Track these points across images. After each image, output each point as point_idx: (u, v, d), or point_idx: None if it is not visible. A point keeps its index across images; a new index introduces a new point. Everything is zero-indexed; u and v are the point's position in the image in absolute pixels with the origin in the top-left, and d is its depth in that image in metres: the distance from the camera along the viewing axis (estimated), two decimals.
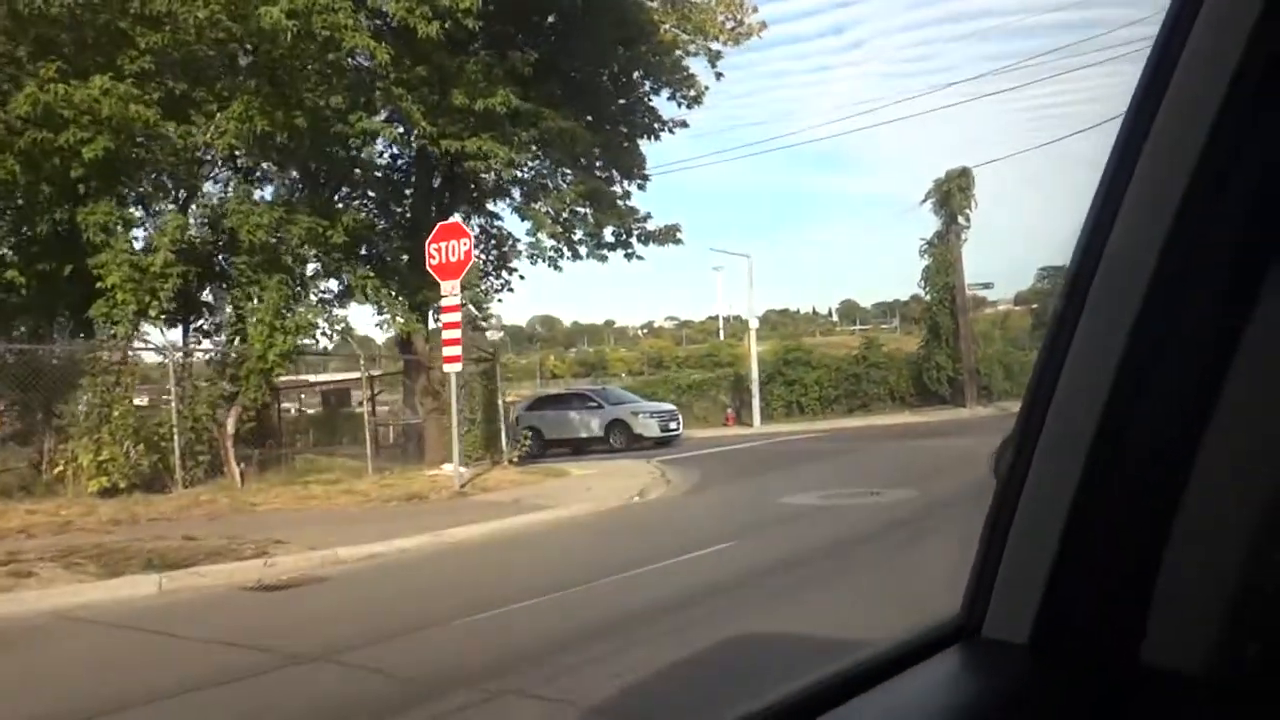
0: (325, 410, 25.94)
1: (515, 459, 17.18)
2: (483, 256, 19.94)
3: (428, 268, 14.28)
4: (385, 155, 18.70)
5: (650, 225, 18.39)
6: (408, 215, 18.91)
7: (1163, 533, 0.80)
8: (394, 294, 17.68)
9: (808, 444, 21.70)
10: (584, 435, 25.07)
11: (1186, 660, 0.79)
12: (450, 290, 13.95)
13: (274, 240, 14.61)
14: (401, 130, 15.87)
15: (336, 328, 16.26)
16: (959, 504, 10.14)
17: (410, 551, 9.97)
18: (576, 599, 7.32)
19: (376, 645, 6.10)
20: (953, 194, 29.64)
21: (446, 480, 14.19)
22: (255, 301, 14.76)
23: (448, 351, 13.94)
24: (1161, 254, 0.77)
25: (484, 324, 18.36)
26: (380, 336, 22.73)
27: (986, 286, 33.51)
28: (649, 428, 24.68)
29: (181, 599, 8.05)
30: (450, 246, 14.02)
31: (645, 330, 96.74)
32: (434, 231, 14.39)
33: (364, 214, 18.59)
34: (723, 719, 0.90)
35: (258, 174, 17.05)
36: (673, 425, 25.39)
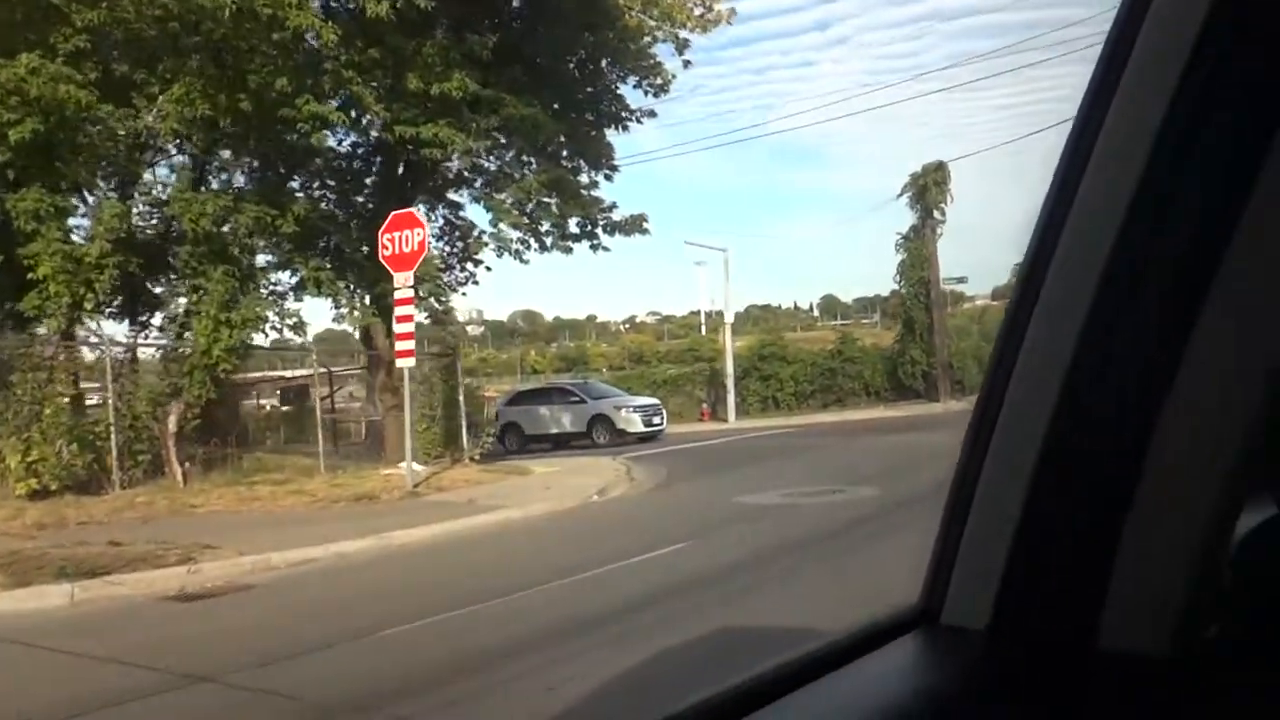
0: (296, 407, 25.25)
1: (477, 456, 16.66)
2: (446, 249, 19.40)
3: (380, 259, 13.76)
4: (344, 143, 18.09)
5: (616, 215, 17.90)
6: (369, 206, 18.30)
7: (1119, 517, 0.80)
8: (351, 287, 17.16)
9: (779, 440, 21.31)
10: (566, 430, 24.29)
11: (1144, 643, 0.79)
12: (403, 282, 13.43)
13: (219, 230, 13.99)
14: (354, 115, 15.27)
15: (288, 322, 15.65)
16: (922, 501, 9.80)
17: (350, 556, 9.47)
18: (513, 606, 6.89)
19: (283, 662, 5.62)
20: (928, 188, 29.32)
21: (401, 479, 13.66)
22: (197, 294, 14.14)
23: (400, 346, 13.44)
24: (1115, 244, 0.79)
25: (445, 317, 17.79)
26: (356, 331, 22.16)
27: (961, 281, 33.14)
28: (632, 423, 24.00)
29: (92, 610, 7.53)
30: (404, 236, 13.51)
31: (627, 325, 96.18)
32: (387, 221, 13.87)
33: (323, 204, 18.07)
34: (673, 709, 0.86)
35: (215, 163, 16.46)
36: (657, 420, 24.71)
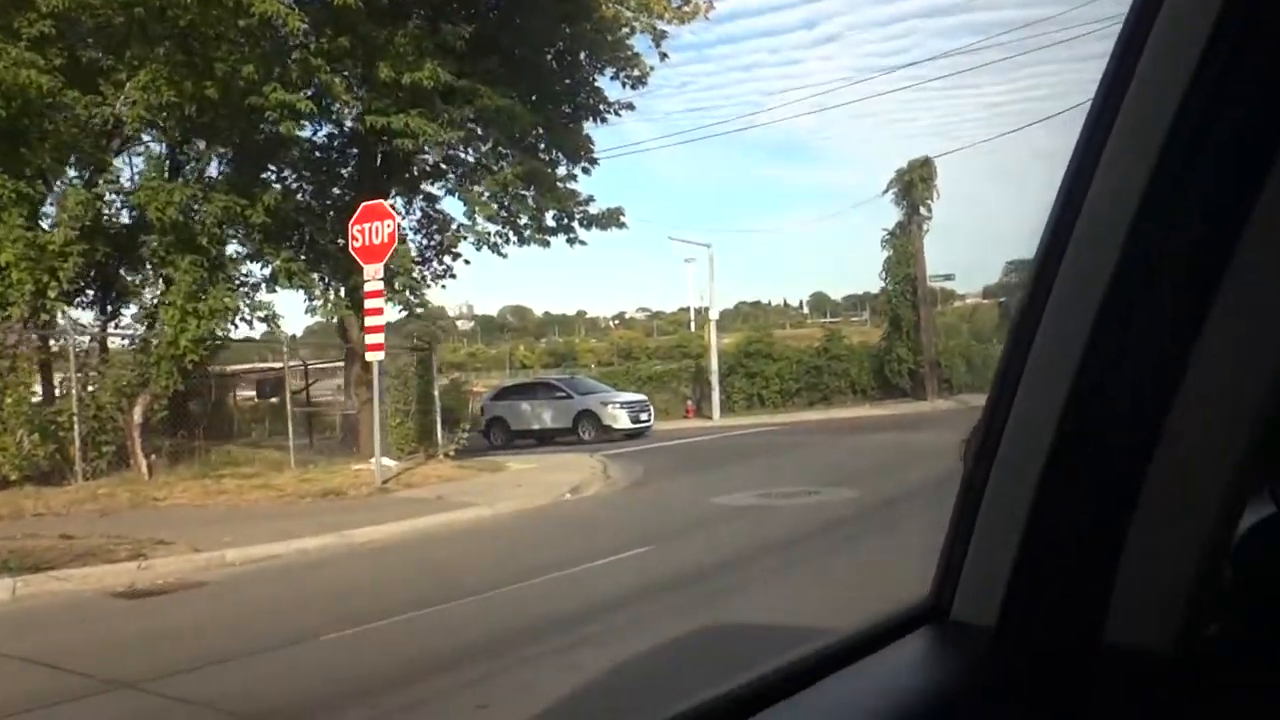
0: (282, 400, 24.79)
1: (452, 452, 16.42)
2: (424, 241, 19.17)
3: (350, 250, 13.53)
4: (319, 134, 17.87)
5: (593, 209, 17.65)
6: (345, 197, 18.04)
7: (1125, 516, 0.81)
8: (325, 279, 16.94)
9: (762, 438, 21.14)
10: (551, 426, 24.03)
11: (1147, 639, 0.81)
12: (373, 274, 13.19)
13: (186, 219, 13.72)
14: (324, 104, 15.01)
15: (259, 314, 15.40)
16: (899, 504, 9.64)
17: (309, 553, 9.27)
18: (464, 611, 6.67)
19: (219, 666, 5.42)
20: (914, 185, 29.09)
21: (371, 475, 13.43)
22: (167, 284, 13.89)
23: (370, 339, 13.18)
24: (1127, 240, 0.79)
25: (420, 310, 17.53)
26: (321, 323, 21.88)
27: (948, 278, 32.96)
28: (619, 419, 23.68)
29: (34, 606, 7.33)
30: (374, 228, 13.27)
31: (616, 321, 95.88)
32: (357, 212, 13.64)
33: (299, 195, 17.84)
34: (684, 707, 0.85)
35: (192, 152, 16.18)
36: (644, 417, 24.37)
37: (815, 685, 0.88)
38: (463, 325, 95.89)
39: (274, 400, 24.87)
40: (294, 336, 21.58)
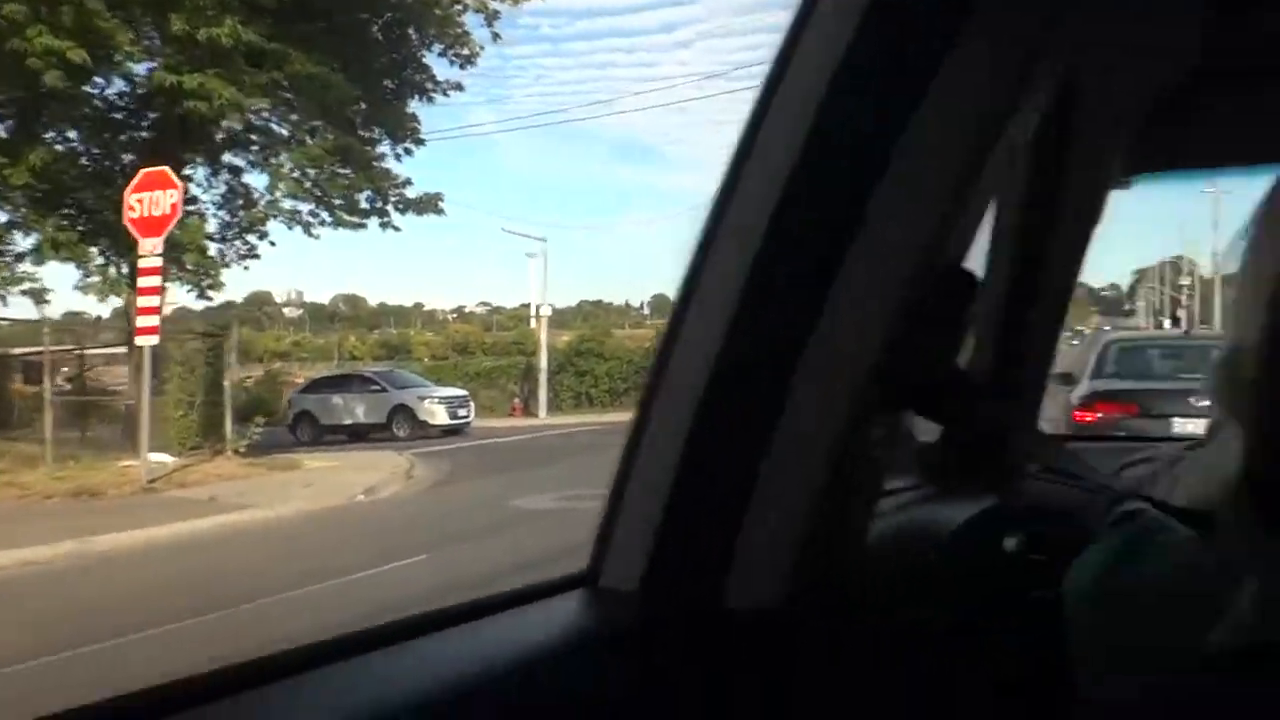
0: (77, 388, 22.24)
1: (242, 448, 15.11)
2: (226, 217, 17.66)
3: (125, 221, 12.17)
4: (110, 91, 16.13)
5: (410, 192, 16.69)
6: (139, 163, 16.33)
7: (746, 494, 0.89)
8: (105, 253, 15.32)
9: (583, 437, 20.71)
10: (363, 421, 22.85)
11: (759, 599, 0.90)
12: (150, 249, 11.95)
13: None
14: (107, 56, 13.45)
15: (15, 289, 13.66)
16: None
17: (34, 565, 8.11)
18: (191, 633, 5.83)
19: None
20: None
21: (138, 472, 12.09)
22: None
23: (141, 321, 11.92)
24: (757, 256, 0.86)
25: (211, 293, 16.10)
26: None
27: None
28: (436, 414, 22.74)
29: None
30: (154, 198, 12.04)
31: (455, 315, 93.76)
32: (137, 179, 12.31)
33: (82, 158, 16.08)
34: (294, 644, 0.79)
35: None
36: (463, 412, 23.55)
37: (440, 632, 0.87)
38: (290, 313, 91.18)
39: (68, 387, 22.35)
40: (99, 318, 19.63)
